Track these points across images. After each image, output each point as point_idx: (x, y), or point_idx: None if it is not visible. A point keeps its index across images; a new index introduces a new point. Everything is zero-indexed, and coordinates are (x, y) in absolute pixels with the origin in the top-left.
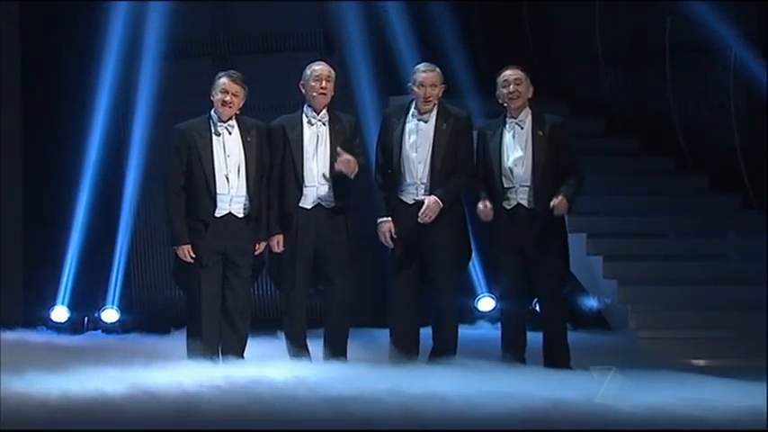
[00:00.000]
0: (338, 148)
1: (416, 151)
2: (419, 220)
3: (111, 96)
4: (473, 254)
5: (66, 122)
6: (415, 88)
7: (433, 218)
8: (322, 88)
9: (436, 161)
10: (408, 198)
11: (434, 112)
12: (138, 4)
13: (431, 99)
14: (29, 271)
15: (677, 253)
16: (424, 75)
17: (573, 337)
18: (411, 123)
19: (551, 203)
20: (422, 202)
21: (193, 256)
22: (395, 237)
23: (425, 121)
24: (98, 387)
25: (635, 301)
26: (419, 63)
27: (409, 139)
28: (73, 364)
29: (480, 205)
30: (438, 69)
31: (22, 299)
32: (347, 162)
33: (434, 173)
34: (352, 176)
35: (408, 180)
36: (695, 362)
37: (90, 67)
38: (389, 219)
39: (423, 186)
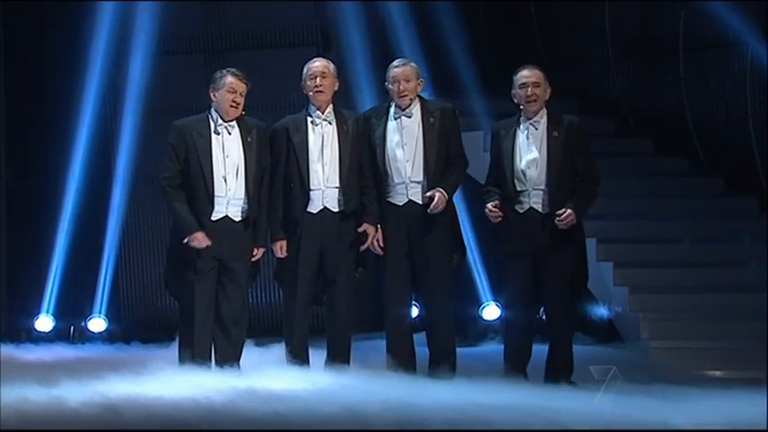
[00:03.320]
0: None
1: (403, 149)
2: (429, 211)
3: (99, 95)
4: (467, 254)
5: (51, 122)
6: (390, 85)
7: (441, 209)
8: (317, 86)
9: (429, 158)
10: (398, 199)
11: (417, 108)
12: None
13: (406, 93)
14: (12, 278)
15: (691, 259)
16: (397, 69)
17: (581, 347)
18: (393, 122)
19: (558, 212)
20: (412, 203)
21: (208, 242)
22: (382, 245)
23: (408, 117)
24: (90, 397)
25: (647, 309)
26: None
27: (393, 138)
28: (61, 376)
29: (490, 205)
30: (413, 64)
31: (5, 307)
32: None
33: (429, 170)
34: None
35: (396, 180)
36: (711, 373)
37: (77, 65)
38: (377, 226)
39: (413, 185)
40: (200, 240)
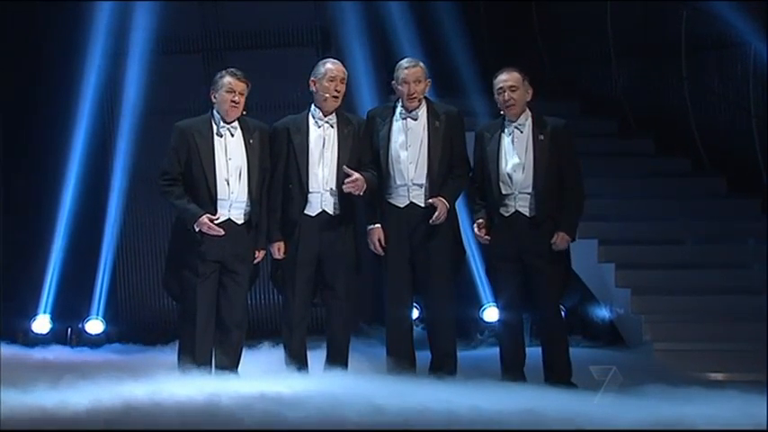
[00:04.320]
0: (344, 168)
1: (407, 150)
2: (431, 222)
3: (97, 95)
4: (469, 259)
5: (48, 122)
6: (399, 86)
7: (443, 219)
8: (336, 91)
9: (433, 161)
10: (399, 201)
11: (423, 109)
12: None
13: (415, 96)
14: (9, 279)
15: (694, 260)
16: (407, 71)
17: (583, 350)
18: (398, 122)
19: (552, 241)
20: (414, 205)
21: (217, 221)
22: (384, 245)
23: (414, 119)
24: (89, 402)
25: (649, 311)
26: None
27: (397, 139)
28: (59, 379)
29: (475, 228)
30: (422, 64)
31: (2, 309)
32: (355, 183)
33: (432, 174)
34: (361, 194)
35: (398, 182)
36: (713, 376)
37: (75, 64)
38: (379, 226)
39: (415, 188)
40: (207, 224)
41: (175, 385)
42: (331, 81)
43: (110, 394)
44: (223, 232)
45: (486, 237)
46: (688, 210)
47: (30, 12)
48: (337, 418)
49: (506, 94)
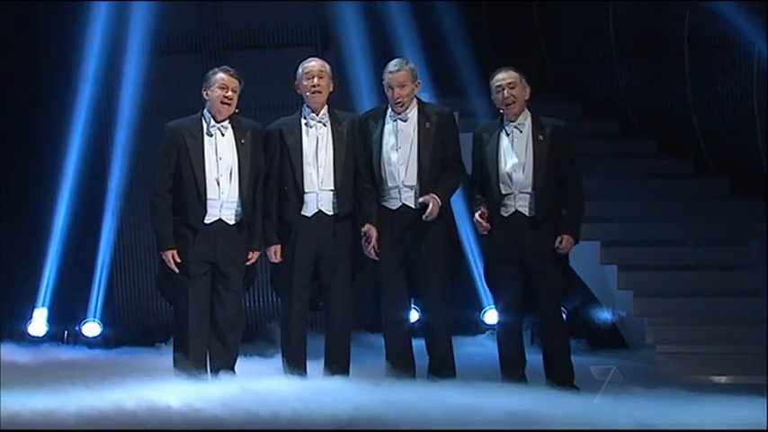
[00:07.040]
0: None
1: (397, 152)
2: (423, 218)
3: (94, 95)
4: (470, 261)
5: (44, 122)
6: (386, 90)
7: (435, 216)
8: (314, 86)
9: (424, 162)
10: (391, 204)
11: (413, 111)
12: None
13: (400, 100)
14: (4, 281)
15: (697, 262)
16: (391, 75)
17: (584, 352)
18: (389, 125)
19: (556, 244)
20: (406, 207)
21: (178, 260)
22: (378, 250)
23: (405, 121)
24: (84, 405)
25: (651, 313)
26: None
27: (389, 141)
28: (56, 381)
29: (476, 216)
30: (409, 66)
31: None
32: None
33: (423, 174)
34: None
35: (390, 184)
36: (716, 379)
37: (72, 64)
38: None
39: (406, 189)
40: (168, 259)
41: (171, 387)
42: (308, 78)
43: (107, 396)
44: (178, 271)
45: (487, 225)
46: (691, 211)
47: (29, 11)
48: (337, 421)
49: (505, 91)
